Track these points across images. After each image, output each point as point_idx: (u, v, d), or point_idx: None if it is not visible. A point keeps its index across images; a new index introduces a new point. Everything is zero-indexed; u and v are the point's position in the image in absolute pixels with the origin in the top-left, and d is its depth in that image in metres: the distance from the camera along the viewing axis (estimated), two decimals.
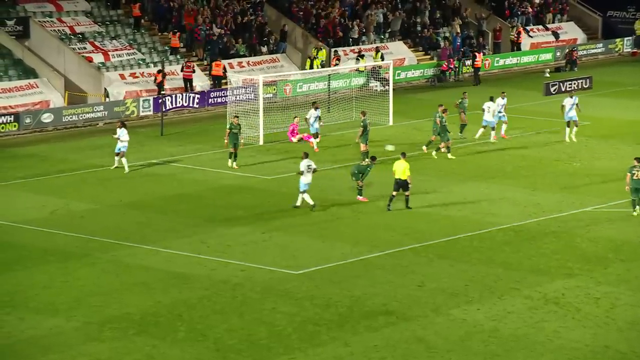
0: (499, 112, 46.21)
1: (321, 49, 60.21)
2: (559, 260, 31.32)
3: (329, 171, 42.30)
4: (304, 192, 36.54)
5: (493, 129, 46.11)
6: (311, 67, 58.28)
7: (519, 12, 71.09)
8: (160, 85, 54.67)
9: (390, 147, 42.00)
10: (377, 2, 66.84)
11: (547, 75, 64.12)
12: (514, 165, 43.05)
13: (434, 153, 43.71)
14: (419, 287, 29.18)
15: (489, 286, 29.15)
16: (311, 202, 36.44)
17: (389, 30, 66.13)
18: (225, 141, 42.08)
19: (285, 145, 46.61)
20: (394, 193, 36.49)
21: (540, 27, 71.82)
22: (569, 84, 59.32)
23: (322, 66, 58.83)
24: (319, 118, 45.79)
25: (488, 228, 34.50)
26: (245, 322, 26.72)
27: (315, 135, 45.69)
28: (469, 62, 65.17)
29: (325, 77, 57.18)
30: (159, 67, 55.79)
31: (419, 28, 66.69)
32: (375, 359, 24.61)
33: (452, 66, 63.68)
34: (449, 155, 43.43)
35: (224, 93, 54.81)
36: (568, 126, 45.73)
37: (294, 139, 47.37)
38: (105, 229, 34.62)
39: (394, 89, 52.75)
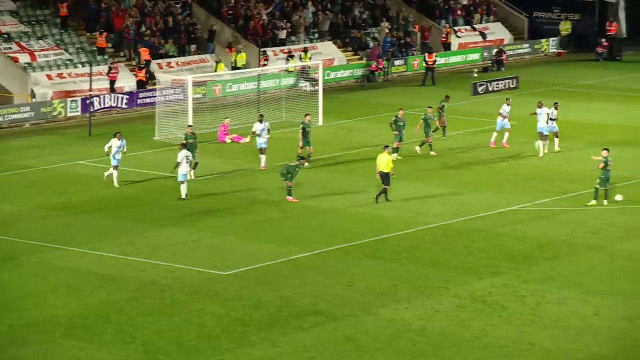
0: (504, 118, 45.23)
1: (240, 52, 59.87)
2: (486, 259, 31.64)
3: (258, 172, 42.24)
4: (183, 182, 37.30)
5: (556, 135, 44.39)
6: (215, 70, 57.78)
7: (447, 13, 71.68)
8: (142, 83, 54.58)
9: (619, 198, 37.18)
10: (306, 2, 66.91)
11: (475, 75, 64.71)
12: (442, 165, 43.36)
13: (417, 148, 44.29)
14: (348, 286, 29.28)
15: (417, 285, 29.35)
16: (184, 194, 37.42)
17: (318, 30, 66.25)
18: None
19: (215, 146, 46.48)
20: (385, 187, 37.26)
21: (468, 27, 72.47)
22: (496, 84, 59.96)
23: (234, 69, 58.57)
24: (267, 131, 42.12)
25: (416, 227, 34.74)
26: (174, 323, 26.60)
27: (262, 151, 41.99)
28: (398, 62, 65.63)
29: (255, 78, 57.15)
30: (143, 65, 55.92)
31: (349, 28, 66.96)
32: (304, 359, 24.66)
33: (381, 66, 64.02)
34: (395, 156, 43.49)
35: (152, 93, 54.49)
36: (540, 138, 44.10)
37: (227, 139, 47.24)
38: (33, 231, 34.23)
39: (323, 89, 52.85)
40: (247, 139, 46.67)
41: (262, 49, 59.63)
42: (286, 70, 59.73)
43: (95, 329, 26.22)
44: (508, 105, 45.69)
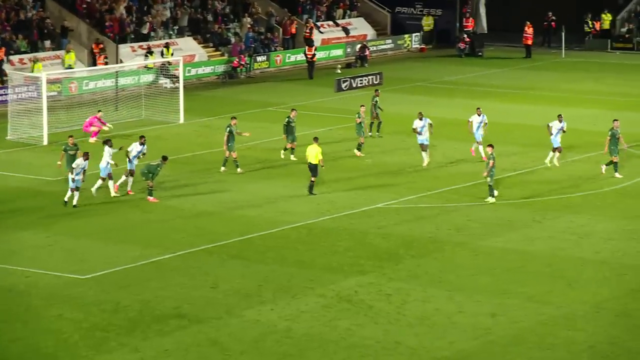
0: (477, 129, 42.78)
1: (69, 52, 58.10)
2: (352, 258, 31.41)
3: (119, 171, 41.15)
4: (77, 190, 36.34)
5: (556, 149, 41.54)
6: (32, 70, 55.65)
7: (310, 8, 71.57)
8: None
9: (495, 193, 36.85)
10: None
11: (339, 71, 64.64)
12: (306, 163, 42.97)
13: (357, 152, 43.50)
14: (212, 288, 28.74)
15: (282, 286, 28.95)
16: (66, 199, 36.33)
17: (177, 25, 65.26)
18: (59, 163, 38.03)
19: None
20: (312, 179, 37.39)
21: (331, 22, 72.47)
22: (360, 80, 59.98)
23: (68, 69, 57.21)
24: (142, 154, 38.19)
25: (282, 226, 34.35)
26: (30, 330, 25.74)
27: (131, 173, 37.78)
28: (260, 59, 65.19)
29: (113, 75, 55.90)
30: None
31: (208, 24, 66.17)
32: None
33: (243, 62, 63.52)
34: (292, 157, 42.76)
35: (4, 91, 52.70)
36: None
37: (91, 129, 45.43)
38: None
39: (184, 86, 52.11)
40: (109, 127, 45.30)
41: (111, 47, 58.39)
42: (146, 67, 58.62)
43: None
44: (479, 116, 42.74)
